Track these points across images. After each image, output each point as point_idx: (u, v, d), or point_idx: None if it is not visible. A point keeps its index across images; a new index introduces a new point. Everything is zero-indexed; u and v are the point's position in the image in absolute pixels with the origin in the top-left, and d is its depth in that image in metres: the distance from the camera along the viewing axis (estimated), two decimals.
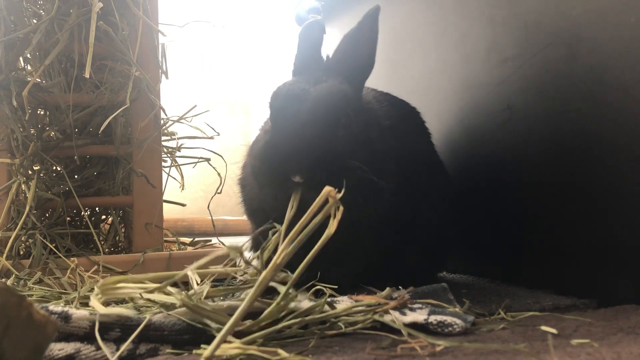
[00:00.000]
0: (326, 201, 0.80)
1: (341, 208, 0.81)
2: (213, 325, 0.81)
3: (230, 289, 1.02)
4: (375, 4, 1.29)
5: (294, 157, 1.09)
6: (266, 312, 0.83)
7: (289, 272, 0.88)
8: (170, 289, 0.98)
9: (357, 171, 1.11)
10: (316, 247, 0.81)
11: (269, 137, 1.16)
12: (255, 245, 1.52)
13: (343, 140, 1.15)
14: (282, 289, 0.83)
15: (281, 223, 1.24)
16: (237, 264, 1.25)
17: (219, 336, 0.69)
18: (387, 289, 1.01)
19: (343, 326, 0.86)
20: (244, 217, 1.48)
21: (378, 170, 1.18)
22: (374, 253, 1.28)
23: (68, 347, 0.81)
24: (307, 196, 1.07)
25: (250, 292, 0.73)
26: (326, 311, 0.88)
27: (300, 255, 0.82)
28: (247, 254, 1.58)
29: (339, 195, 0.81)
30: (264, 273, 0.74)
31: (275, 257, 0.75)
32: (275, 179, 1.12)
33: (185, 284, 0.89)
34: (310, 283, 1.04)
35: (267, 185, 1.16)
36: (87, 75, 1.41)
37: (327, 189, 0.81)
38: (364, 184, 1.11)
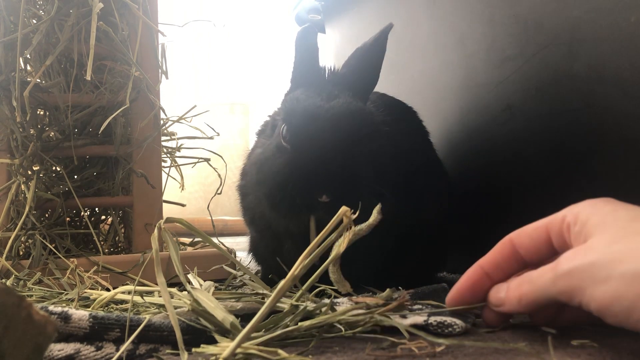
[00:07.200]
0: (341, 219, 0.83)
1: (352, 228, 0.83)
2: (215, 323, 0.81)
3: (235, 294, 1.02)
4: (389, 22, 1.29)
5: (320, 177, 1.09)
6: (271, 319, 0.85)
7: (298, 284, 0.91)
8: (175, 291, 0.99)
9: (372, 190, 1.12)
10: (325, 263, 0.84)
11: (289, 157, 1.14)
12: (253, 249, 1.52)
13: (360, 158, 1.15)
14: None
15: (284, 236, 1.24)
16: (237, 267, 1.25)
17: (238, 337, 0.70)
18: (388, 290, 1.01)
19: (343, 329, 0.86)
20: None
21: (380, 178, 1.18)
22: (374, 255, 1.28)
23: (68, 348, 0.81)
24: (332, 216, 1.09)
25: (268, 299, 0.76)
26: (327, 313, 0.88)
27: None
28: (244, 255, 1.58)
29: (354, 217, 0.83)
30: (282, 282, 0.77)
31: (293, 269, 0.79)
32: (301, 199, 1.11)
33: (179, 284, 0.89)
34: (312, 285, 1.04)
35: (289, 207, 1.14)
36: (88, 78, 1.41)
37: (344, 209, 0.83)
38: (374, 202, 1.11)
